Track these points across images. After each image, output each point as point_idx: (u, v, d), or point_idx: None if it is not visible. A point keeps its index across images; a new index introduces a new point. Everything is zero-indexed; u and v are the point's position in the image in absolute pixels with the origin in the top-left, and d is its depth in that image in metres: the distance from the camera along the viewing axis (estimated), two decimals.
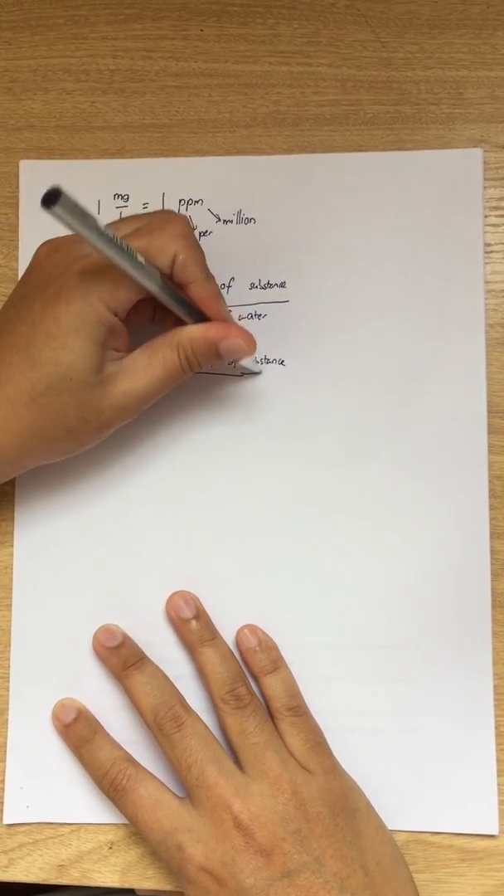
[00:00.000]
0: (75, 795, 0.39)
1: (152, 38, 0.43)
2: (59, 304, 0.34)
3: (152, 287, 0.34)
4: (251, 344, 0.37)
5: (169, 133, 0.42)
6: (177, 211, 0.42)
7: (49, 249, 0.36)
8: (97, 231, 0.30)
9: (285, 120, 0.42)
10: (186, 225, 0.36)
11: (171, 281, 0.35)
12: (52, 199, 0.28)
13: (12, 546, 0.41)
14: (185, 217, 0.36)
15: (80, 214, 0.30)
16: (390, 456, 0.40)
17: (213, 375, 0.41)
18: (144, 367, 0.36)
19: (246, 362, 0.40)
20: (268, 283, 0.41)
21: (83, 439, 0.37)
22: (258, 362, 0.41)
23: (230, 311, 0.41)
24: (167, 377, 0.36)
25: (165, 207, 0.42)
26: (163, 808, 0.36)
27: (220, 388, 0.41)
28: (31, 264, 0.37)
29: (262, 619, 0.40)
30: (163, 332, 0.36)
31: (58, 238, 0.37)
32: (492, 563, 0.39)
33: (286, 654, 0.39)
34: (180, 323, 0.37)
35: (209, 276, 0.36)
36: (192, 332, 0.36)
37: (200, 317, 0.37)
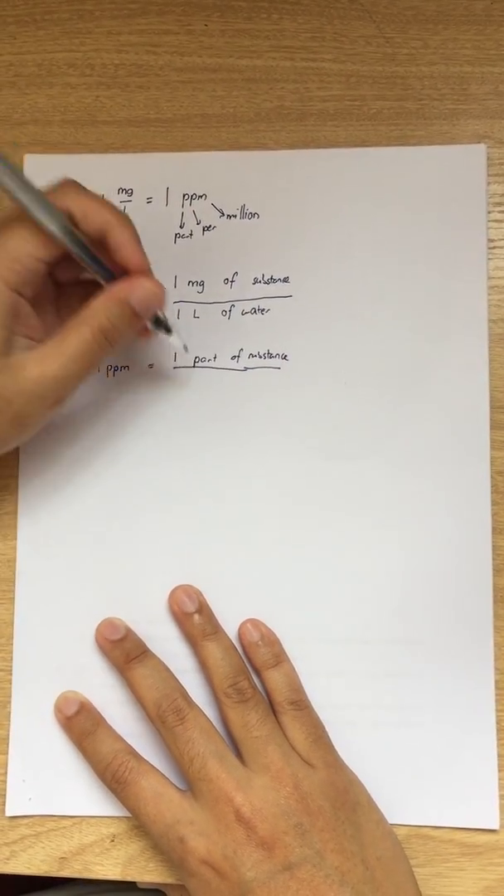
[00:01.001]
0: (77, 788, 0.39)
1: (157, 32, 0.43)
2: None
3: (55, 227, 0.32)
4: (158, 286, 0.34)
5: (173, 128, 0.42)
6: (181, 206, 0.42)
7: None
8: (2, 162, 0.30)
9: (289, 115, 0.42)
10: (77, 183, 0.35)
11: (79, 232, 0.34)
12: None
13: (15, 539, 0.41)
14: (77, 182, 0.35)
15: None
16: (393, 451, 0.40)
17: (214, 370, 0.41)
18: (56, 349, 0.34)
19: (174, 343, 0.38)
20: (271, 278, 0.41)
21: None
22: (186, 348, 0.40)
23: (233, 305, 0.41)
24: (82, 356, 0.34)
25: (169, 202, 0.42)
26: (165, 800, 0.36)
27: (222, 382, 0.41)
28: None
29: (265, 613, 0.40)
30: None
31: None
32: (493, 559, 0.39)
33: (288, 648, 0.39)
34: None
35: (128, 224, 0.34)
36: (100, 300, 0.34)
37: (114, 275, 0.35)
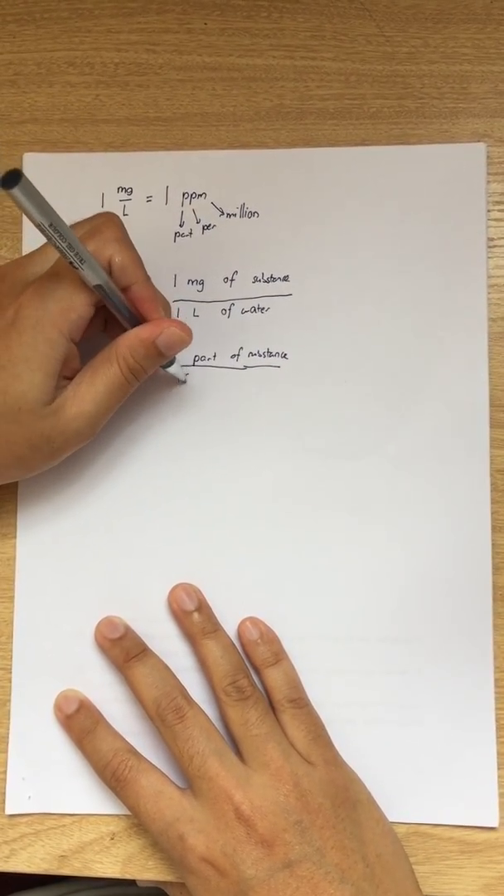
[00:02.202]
0: (77, 786, 0.39)
1: (156, 31, 0.43)
2: (10, 335, 0.34)
3: (99, 281, 0.34)
4: (187, 332, 0.36)
5: (172, 126, 0.42)
6: (180, 204, 0.42)
7: None
8: (51, 217, 0.30)
9: (289, 114, 0.42)
10: (121, 228, 0.36)
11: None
12: (11, 180, 0.28)
13: (15, 538, 0.41)
14: (119, 219, 0.36)
15: (37, 199, 0.30)
16: (392, 449, 0.40)
17: (214, 368, 0.41)
18: (88, 389, 0.36)
19: (173, 370, 0.40)
20: (271, 277, 0.41)
21: (33, 465, 0.37)
22: (186, 376, 0.41)
23: (233, 303, 0.41)
24: (113, 392, 0.36)
25: (169, 201, 0.42)
26: (164, 798, 0.36)
27: (222, 381, 0.41)
28: None
29: (264, 611, 0.40)
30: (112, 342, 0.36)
31: (5, 264, 0.37)
32: (493, 557, 0.40)
33: (288, 646, 0.39)
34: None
35: (148, 278, 0.36)
36: (128, 339, 0.36)
37: (138, 321, 0.37)
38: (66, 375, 0.36)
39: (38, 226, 0.31)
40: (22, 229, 0.42)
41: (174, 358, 0.39)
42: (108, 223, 0.35)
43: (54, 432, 0.35)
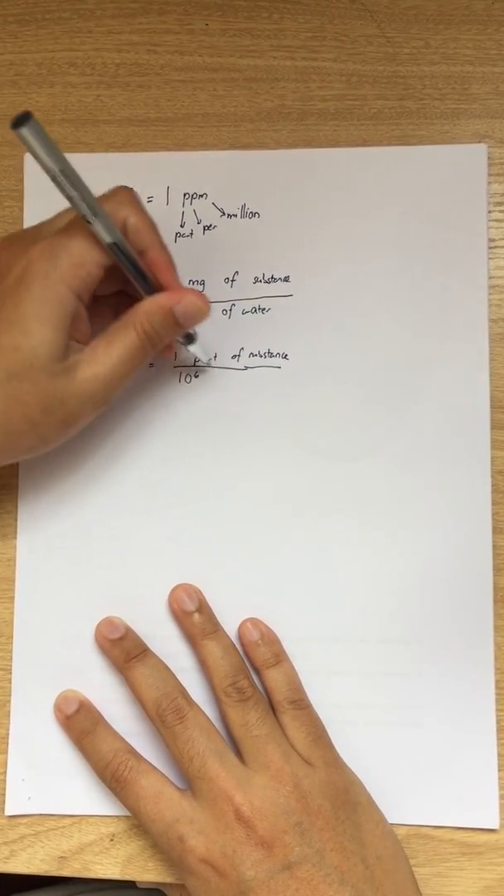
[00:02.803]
0: (77, 787, 0.39)
1: (157, 32, 0.43)
2: (19, 290, 0.33)
3: (113, 238, 0.33)
4: (206, 303, 0.36)
5: (174, 127, 0.42)
6: (181, 205, 0.42)
7: (8, 240, 0.36)
8: (62, 163, 0.30)
9: (290, 114, 0.42)
10: (136, 195, 0.35)
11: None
12: (22, 120, 0.28)
13: (15, 539, 0.41)
14: (134, 191, 0.36)
15: (47, 142, 0.29)
16: (393, 451, 0.40)
17: (215, 368, 0.41)
18: (104, 352, 0.35)
19: (194, 348, 0.39)
20: (272, 278, 0.41)
21: (47, 432, 0.35)
22: (212, 358, 0.41)
23: (234, 304, 0.41)
24: (129, 358, 0.35)
25: (170, 201, 0.42)
26: (164, 799, 0.36)
27: (222, 382, 0.41)
28: None
29: (265, 612, 0.40)
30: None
31: (13, 233, 0.37)
32: (494, 558, 0.39)
33: (288, 647, 0.39)
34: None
35: (164, 244, 0.36)
36: (146, 305, 0.35)
37: (154, 289, 0.36)
38: (77, 339, 0.35)
39: (50, 172, 0.30)
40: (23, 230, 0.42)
41: (195, 334, 0.38)
42: (122, 189, 0.35)
43: (67, 393, 0.34)
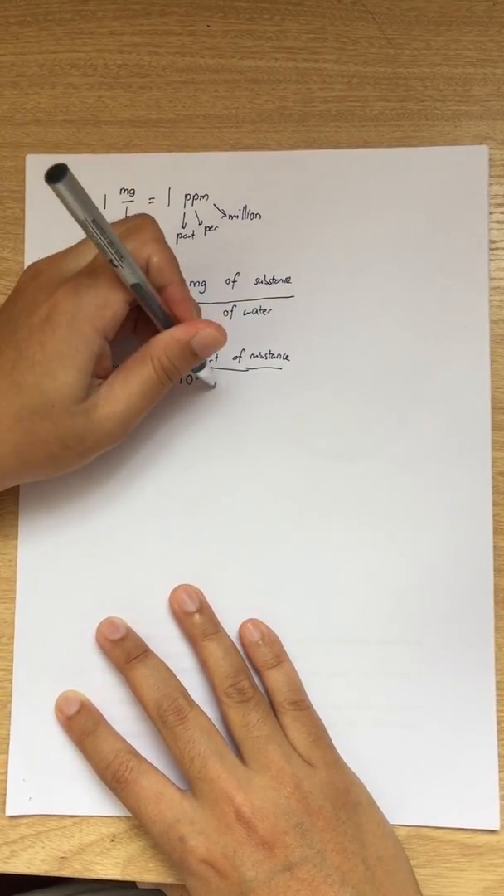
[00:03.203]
0: (78, 788, 0.39)
1: (159, 33, 0.43)
2: (45, 330, 0.34)
3: (137, 280, 0.34)
4: (222, 333, 0.36)
5: (175, 128, 0.42)
6: (183, 206, 0.42)
7: (33, 272, 0.36)
8: (94, 213, 0.30)
9: (291, 116, 0.42)
10: (159, 229, 0.36)
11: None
12: (57, 175, 0.28)
13: (16, 539, 0.41)
14: (156, 221, 0.36)
15: (81, 194, 0.30)
16: (394, 452, 0.40)
17: (216, 370, 0.41)
18: (122, 389, 0.35)
19: (204, 374, 0.40)
20: (273, 279, 0.41)
21: (63, 464, 0.36)
22: (216, 383, 0.41)
23: (235, 305, 0.41)
24: (147, 393, 0.36)
25: (171, 202, 0.42)
26: (165, 800, 0.36)
27: (223, 383, 0.41)
28: (16, 287, 0.37)
29: (266, 613, 0.40)
30: (142, 345, 0.36)
31: (41, 260, 0.37)
32: (494, 559, 0.39)
33: (289, 648, 0.39)
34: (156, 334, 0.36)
35: (184, 280, 0.36)
36: (163, 339, 0.36)
37: (171, 322, 0.36)
38: (99, 375, 0.36)
39: (81, 222, 0.30)
40: (24, 231, 0.42)
41: (204, 362, 0.39)
42: (146, 223, 0.36)
43: (86, 431, 0.35)
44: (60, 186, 0.29)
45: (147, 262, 0.35)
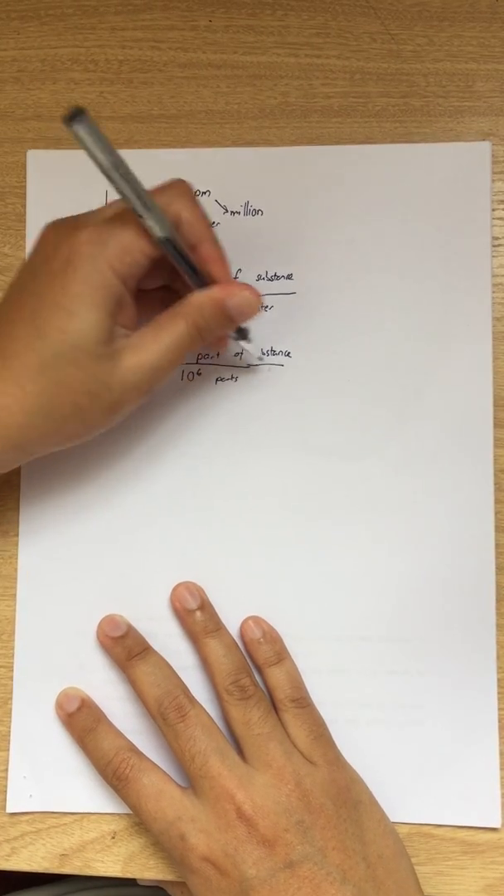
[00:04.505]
0: (78, 785, 0.39)
1: (161, 28, 0.43)
2: (66, 272, 0.33)
3: (165, 233, 0.33)
4: (258, 298, 0.36)
5: (177, 124, 0.42)
6: None
7: (53, 225, 0.36)
8: (114, 157, 0.30)
9: (293, 112, 0.42)
10: (190, 187, 0.35)
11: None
12: (75, 117, 0.28)
13: (17, 536, 0.41)
14: (188, 183, 0.36)
15: (100, 137, 0.29)
16: (396, 449, 0.40)
17: (217, 366, 0.41)
18: (152, 340, 0.35)
19: (250, 350, 0.39)
20: (274, 275, 0.41)
21: (92, 419, 0.35)
22: (262, 356, 0.41)
23: None
24: (176, 348, 0.35)
25: None
26: (166, 797, 0.36)
27: (225, 379, 0.41)
28: (35, 244, 0.36)
29: (267, 610, 0.40)
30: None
31: (61, 218, 0.36)
32: (496, 557, 0.39)
33: (290, 645, 0.39)
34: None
35: (217, 238, 0.36)
36: (198, 297, 0.35)
37: (205, 283, 0.36)
38: (124, 324, 0.35)
39: (101, 166, 0.30)
40: (26, 226, 0.42)
41: (248, 330, 0.38)
42: (176, 181, 0.35)
43: (113, 379, 0.34)
44: (79, 128, 0.28)
45: (177, 217, 0.34)
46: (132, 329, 0.35)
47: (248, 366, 0.41)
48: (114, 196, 0.41)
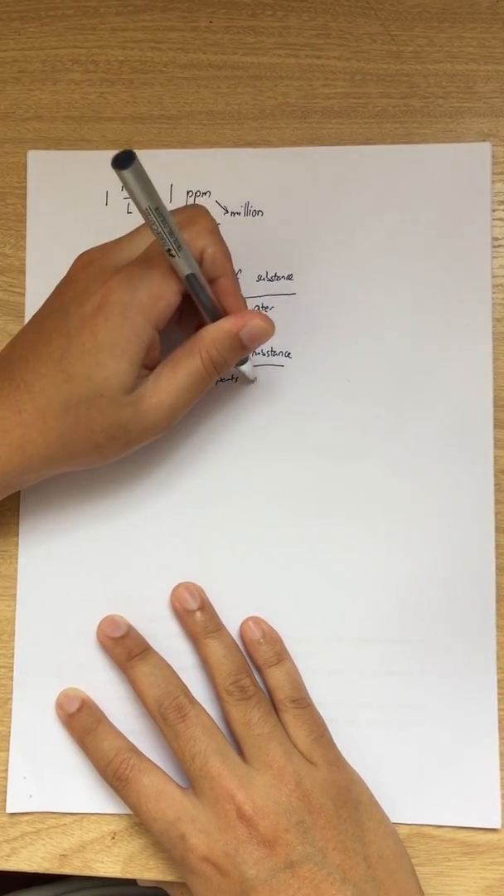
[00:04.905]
0: (78, 785, 0.39)
1: (161, 29, 0.43)
2: (96, 320, 0.34)
3: (192, 270, 0.34)
4: (270, 324, 0.36)
5: (177, 124, 0.42)
6: (185, 202, 0.42)
7: (86, 261, 0.36)
8: (157, 202, 0.30)
9: (294, 112, 0.42)
10: (213, 220, 0.36)
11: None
12: (124, 161, 0.28)
13: (17, 535, 0.41)
14: (209, 212, 0.36)
15: (146, 182, 0.29)
16: (396, 449, 0.40)
17: None
18: (168, 381, 0.35)
19: (246, 368, 0.39)
20: (275, 276, 0.41)
21: (108, 454, 0.36)
22: (256, 377, 0.41)
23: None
24: (194, 385, 0.36)
25: (173, 199, 0.42)
26: (166, 798, 0.36)
27: (225, 380, 0.41)
28: (67, 275, 0.37)
29: (267, 611, 0.40)
30: (186, 336, 0.36)
31: (93, 249, 0.36)
32: (496, 558, 0.39)
33: (290, 646, 0.39)
34: (202, 326, 0.36)
35: (235, 273, 0.36)
36: (212, 332, 0.36)
37: (218, 314, 0.36)
38: (147, 365, 0.35)
39: (144, 211, 0.30)
40: (26, 227, 0.42)
41: (247, 356, 0.39)
42: (200, 214, 0.36)
43: (132, 422, 0.35)
44: (127, 174, 0.28)
45: (202, 252, 0.35)
46: (154, 366, 0.36)
47: (236, 380, 0.41)
48: (114, 196, 0.42)
